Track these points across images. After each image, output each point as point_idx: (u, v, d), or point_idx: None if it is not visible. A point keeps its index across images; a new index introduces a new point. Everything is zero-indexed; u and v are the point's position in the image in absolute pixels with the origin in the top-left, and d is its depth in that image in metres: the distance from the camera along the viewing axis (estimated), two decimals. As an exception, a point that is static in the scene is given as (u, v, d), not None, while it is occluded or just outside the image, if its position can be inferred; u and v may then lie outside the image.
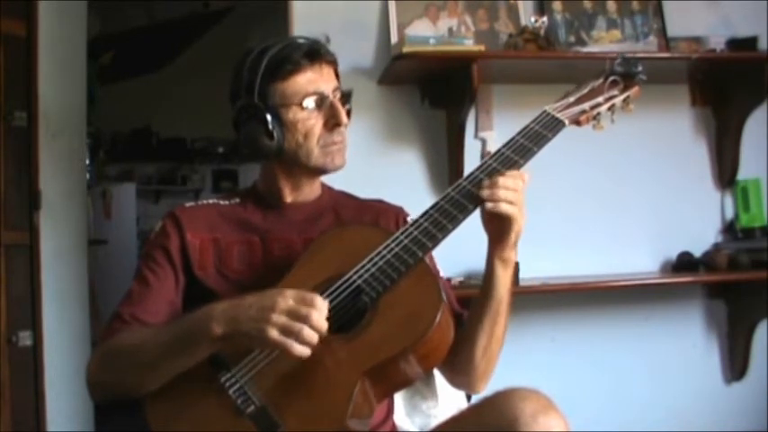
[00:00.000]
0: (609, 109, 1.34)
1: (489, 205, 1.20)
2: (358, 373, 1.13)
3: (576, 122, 1.31)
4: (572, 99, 1.32)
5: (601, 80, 1.34)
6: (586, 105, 1.32)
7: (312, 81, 1.34)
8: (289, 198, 1.42)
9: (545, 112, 1.30)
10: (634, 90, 1.35)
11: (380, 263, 1.20)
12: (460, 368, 1.32)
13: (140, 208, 6.06)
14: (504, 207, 1.19)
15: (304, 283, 1.19)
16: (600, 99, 1.33)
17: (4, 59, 2.57)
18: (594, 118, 1.33)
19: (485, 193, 1.20)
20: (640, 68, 1.35)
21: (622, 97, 1.34)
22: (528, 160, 1.25)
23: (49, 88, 2.70)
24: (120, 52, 5.91)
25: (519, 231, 1.23)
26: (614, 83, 1.34)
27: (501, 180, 1.20)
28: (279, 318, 1.09)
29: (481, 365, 1.30)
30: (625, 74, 1.35)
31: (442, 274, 1.47)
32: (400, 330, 1.16)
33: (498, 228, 1.23)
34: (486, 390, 1.33)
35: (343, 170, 1.40)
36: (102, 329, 1.31)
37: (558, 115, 1.29)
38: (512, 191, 1.20)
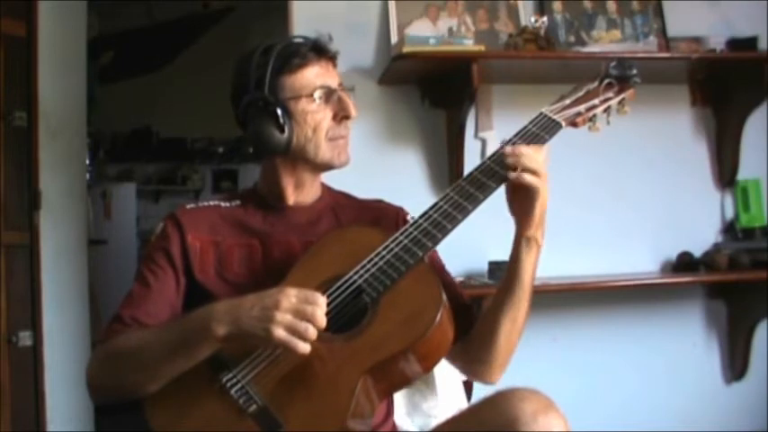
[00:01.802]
0: (604, 111, 1.35)
1: (513, 175, 1.21)
2: (359, 372, 1.13)
3: (573, 124, 1.33)
4: (568, 101, 1.34)
5: (596, 83, 1.36)
6: (582, 107, 1.33)
7: (320, 75, 1.36)
8: (290, 199, 1.42)
9: (542, 114, 1.32)
10: (629, 93, 1.37)
11: (380, 263, 1.21)
12: (479, 356, 1.32)
13: (140, 208, 6.06)
14: (527, 178, 1.21)
15: (305, 284, 1.19)
16: (595, 101, 1.34)
17: (4, 59, 2.57)
18: (590, 120, 1.35)
19: (509, 160, 1.22)
20: (635, 71, 1.37)
21: (617, 99, 1.36)
22: None
23: (48, 88, 2.70)
24: (120, 52, 5.91)
25: (544, 206, 1.25)
26: (609, 85, 1.36)
27: (524, 149, 1.23)
28: (284, 316, 1.09)
29: (501, 353, 1.30)
30: (620, 77, 1.36)
31: (447, 268, 1.46)
32: (401, 329, 1.16)
33: (522, 203, 1.25)
34: (500, 380, 1.34)
35: (344, 170, 1.40)
36: (102, 331, 1.31)
37: (555, 117, 1.31)
38: (534, 161, 1.22)
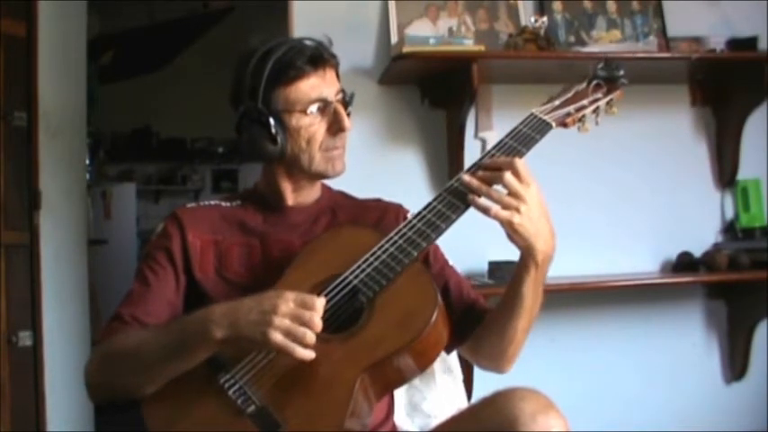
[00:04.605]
0: (593, 112, 1.36)
1: (491, 213, 1.20)
2: (356, 372, 1.14)
3: (563, 124, 1.34)
4: (557, 102, 1.35)
5: (584, 84, 1.38)
6: (572, 108, 1.35)
7: (315, 87, 1.33)
8: (290, 200, 1.42)
9: (532, 114, 1.32)
10: (617, 93, 1.38)
11: (376, 263, 1.21)
12: (487, 354, 1.35)
13: (140, 208, 6.06)
14: (501, 213, 1.20)
15: (300, 285, 1.19)
16: (584, 102, 1.36)
17: (4, 59, 2.56)
18: (580, 120, 1.36)
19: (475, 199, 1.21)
20: (622, 72, 1.38)
21: (605, 100, 1.37)
22: None
23: (48, 88, 2.70)
24: (120, 52, 5.91)
25: (528, 230, 1.25)
26: (598, 86, 1.37)
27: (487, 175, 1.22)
28: (281, 321, 1.09)
29: (508, 352, 1.32)
30: (607, 78, 1.38)
31: (451, 263, 1.46)
32: (397, 329, 1.17)
33: (510, 237, 1.23)
34: (510, 370, 1.36)
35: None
36: (102, 330, 1.31)
37: (545, 117, 1.31)
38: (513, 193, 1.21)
